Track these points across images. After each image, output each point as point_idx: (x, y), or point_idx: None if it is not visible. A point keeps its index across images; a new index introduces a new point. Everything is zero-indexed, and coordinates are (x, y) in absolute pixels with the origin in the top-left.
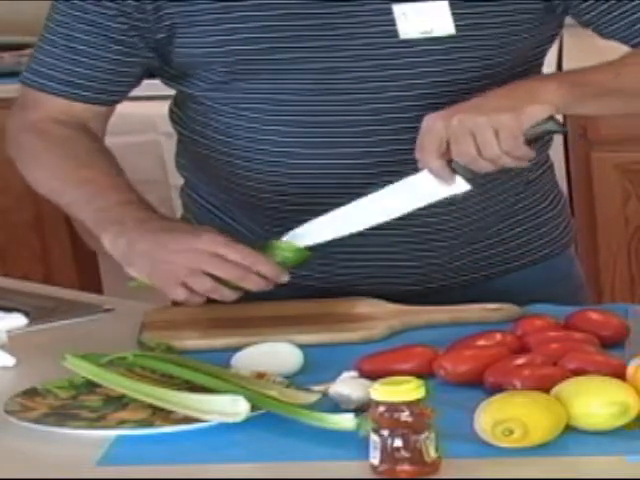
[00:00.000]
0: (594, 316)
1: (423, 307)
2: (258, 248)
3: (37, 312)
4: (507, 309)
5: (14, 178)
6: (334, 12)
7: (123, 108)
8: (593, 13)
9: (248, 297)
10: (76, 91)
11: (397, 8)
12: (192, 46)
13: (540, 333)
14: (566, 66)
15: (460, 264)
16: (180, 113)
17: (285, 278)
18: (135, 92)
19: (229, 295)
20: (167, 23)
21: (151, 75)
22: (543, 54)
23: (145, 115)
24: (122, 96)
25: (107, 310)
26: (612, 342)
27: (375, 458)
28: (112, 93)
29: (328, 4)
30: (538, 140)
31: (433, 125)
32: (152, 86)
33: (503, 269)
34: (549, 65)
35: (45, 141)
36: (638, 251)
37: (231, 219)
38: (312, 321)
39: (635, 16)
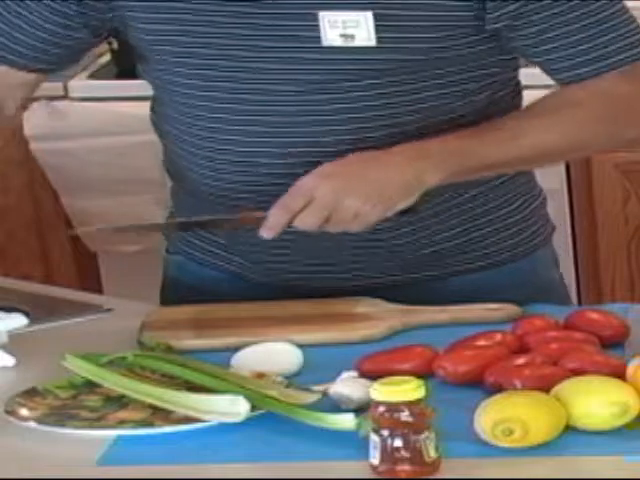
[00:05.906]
0: (594, 316)
1: (423, 307)
2: None
3: (37, 312)
4: (507, 309)
5: (14, 178)
6: (259, 12)
7: (123, 108)
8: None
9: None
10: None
11: (322, 15)
12: (137, 32)
13: (540, 333)
14: None
15: (420, 261)
16: (154, 117)
17: None
18: (135, 92)
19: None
20: (113, 4)
21: None
22: (493, 75)
23: (145, 115)
24: (53, 67)
25: (107, 310)
26: (612, 342)
27: (375, 458)
28: (39, 61)
29: (254, 4)
30: None
31: (308, 190)
32: None
33: (463, 269)
34: None
35: None
36: (638, 251)
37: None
38: (312, 321)
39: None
